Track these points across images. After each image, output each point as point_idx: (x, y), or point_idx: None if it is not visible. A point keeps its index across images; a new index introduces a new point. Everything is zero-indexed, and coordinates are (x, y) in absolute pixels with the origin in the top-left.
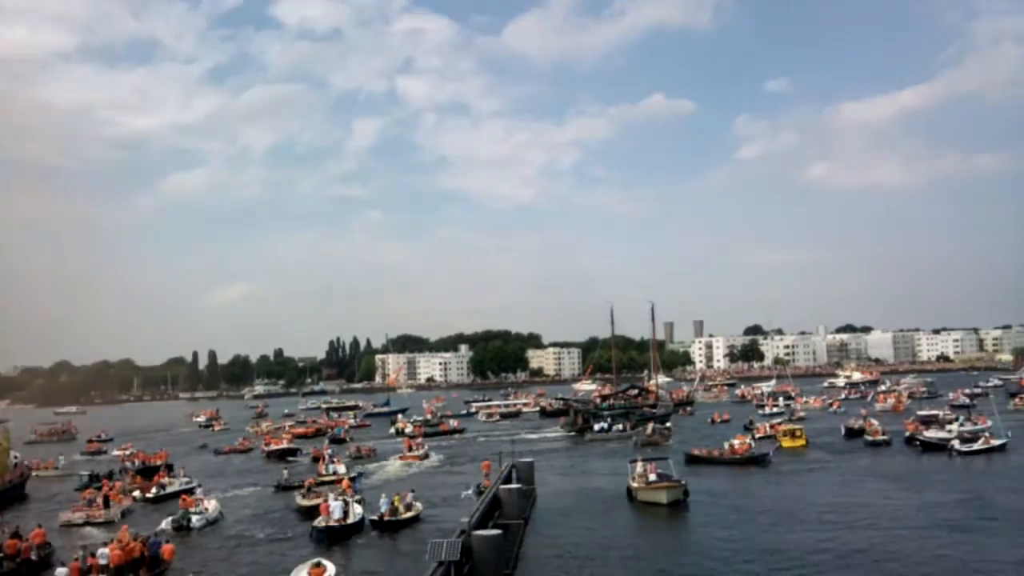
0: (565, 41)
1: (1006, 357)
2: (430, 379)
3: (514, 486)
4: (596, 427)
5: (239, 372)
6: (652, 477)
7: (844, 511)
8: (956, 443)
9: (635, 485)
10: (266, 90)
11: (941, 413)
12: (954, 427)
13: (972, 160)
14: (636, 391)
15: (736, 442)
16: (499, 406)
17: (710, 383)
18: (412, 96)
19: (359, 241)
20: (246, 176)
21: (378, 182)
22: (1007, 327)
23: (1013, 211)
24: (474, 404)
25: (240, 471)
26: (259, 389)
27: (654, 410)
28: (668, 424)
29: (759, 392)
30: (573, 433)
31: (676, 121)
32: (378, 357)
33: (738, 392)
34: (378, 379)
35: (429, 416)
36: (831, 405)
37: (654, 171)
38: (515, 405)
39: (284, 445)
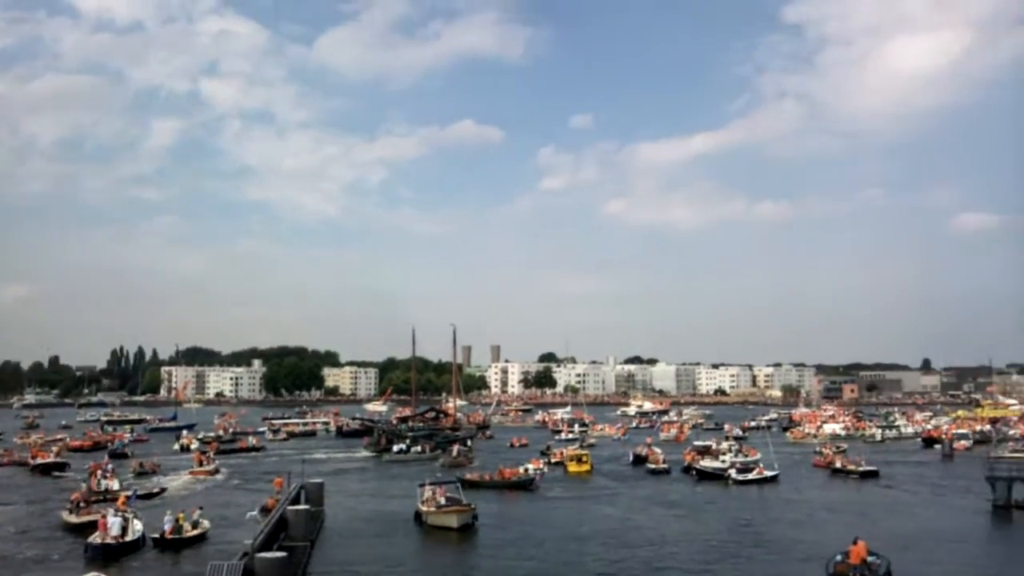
0: (378, 58)
1: (776, 393)
2: (219, 394)
3: (302, 507)
4: (395, 448)
5: (7, 380)
6: (441, 501)
7: (624, 536)
8: (733, 472)
9: (424, 509)
10: (57, 79)
11: (714, 444)
12: (727, 457)
13: (755, 206)
14: (435, 414)
15: (506, 467)
16: (297, 424)
17: (507, 408)
18: (217, 100)
19: (151, 246)
20: (29, 168)
21: (175, 186)
22: (778, 365)
23: (785, 259)
24: (274, 421)
25: (1, 487)
26: (30, 398)
27: (457, 433)
28: (469, 446)
29: (558, 418)
30: (374, 454)
31: (484, 147)
32: (164, 369)
33: (539, 418)
34: (163, 392)
35: (221, 432)
36: (620, 433)
37: (460, 195)
38: (312, 424)
39: (51, 459)
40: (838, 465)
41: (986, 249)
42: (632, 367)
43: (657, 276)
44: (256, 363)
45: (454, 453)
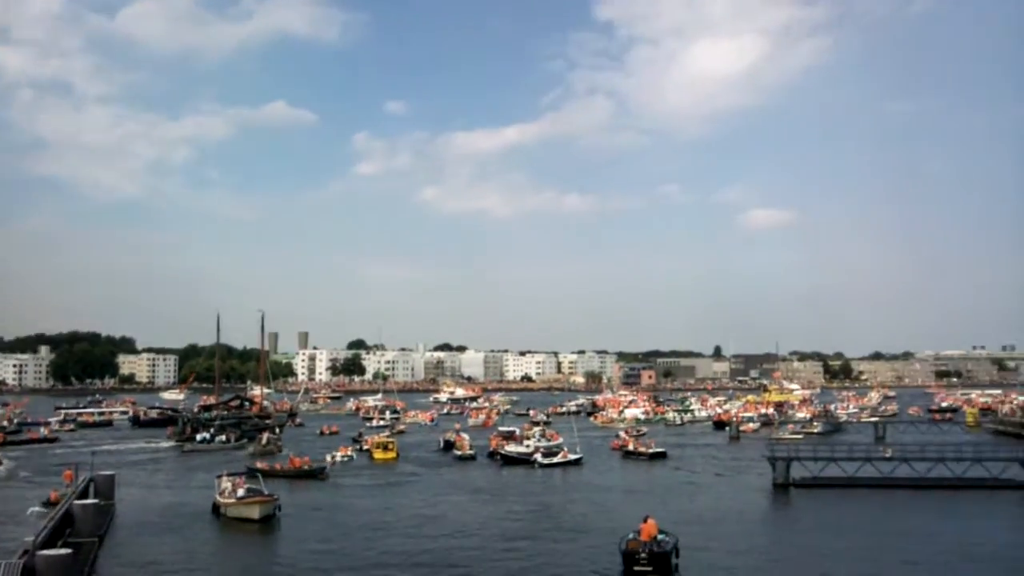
0: (186, 34)
1: (579, 379)
2: (2, 382)
3: (90, 501)
4: (198, 438)
5: None
6: (241, 492)
7: (428, 522)
8: (539, 456)
9: (223, 500)
10: None
11: (518, 430)
12: (531, 442)
13: (564, 198)
14: (239, 402)
15: (297, 456)
16: (92, 413)
17: (315, 395)
18: (6, 68)
19: None
20: None
21: None
22: (581, 352)
23: (590, 250)
24: (68, 411)
25: None
26: None
27: (267, 421)
28: (278, 434)
29: (370, 405)
30: (177, 444)
31: (296, 130)
32: None
33: (351, 405)
34: None
35: (5, 423)
36: (429, 419)
37: (271, 178)
38: (108, 413)
39: None
40: (630, 448)
41: (774, 243)
42: (441, 354)
43: (468, 264)
44: (43, 349)
45: (263, 441)
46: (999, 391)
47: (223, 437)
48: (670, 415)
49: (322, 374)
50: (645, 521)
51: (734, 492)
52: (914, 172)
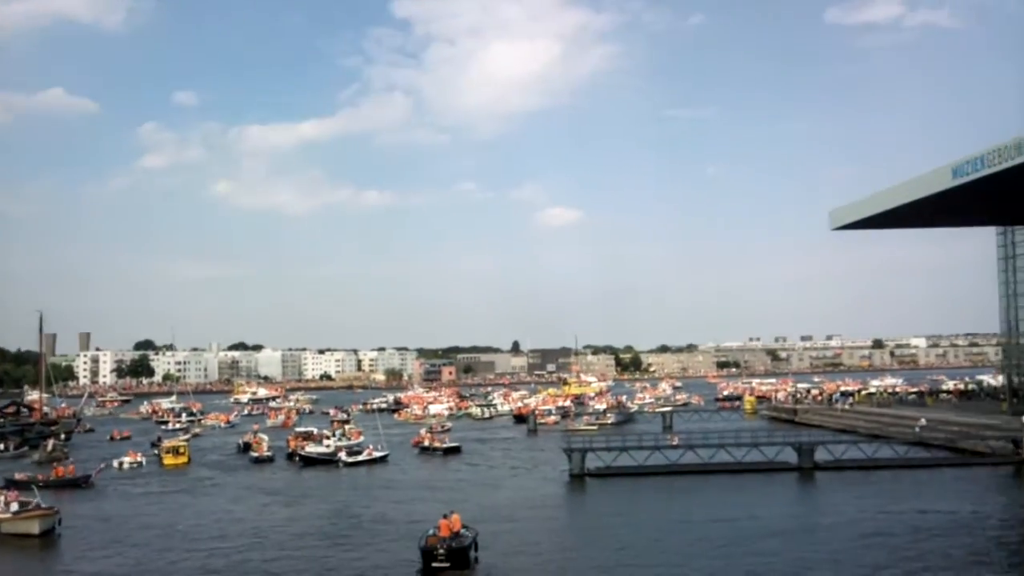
0: None
1: (380, 376)
2: None
3: None
4: None
5: None
6: (15, 506)
7: (222, 529)
8: (343, 455)
9: None
10: None
11: (315, 429)
12: (331, 442)
13: (362, 194)
14: (15, 408)
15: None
16: None
17: (102, 399)
18: None
19: None
20: None
21: None
22: (382, 349)
23: (390, 246)
24: None
25: None
26: None
27: (53, 427)
28: (63, 440)
29: (167, 408)
30: None
31: (76, 120)
32: None
33: (146, 408)
34: None
35: None
36: (223, 421)
37: (46, 170)
38: None
39: None
40: (426, 444)
41: (568, 241)
42: (236, 353)
43: (264, 261)
44: None
45: (48, 448)
46: (774, 380)
47: (1, 445)
48: (474, 410)
49: (106, 376)
50: (446, 517)
51: (533, 484)
52: (693, 175)
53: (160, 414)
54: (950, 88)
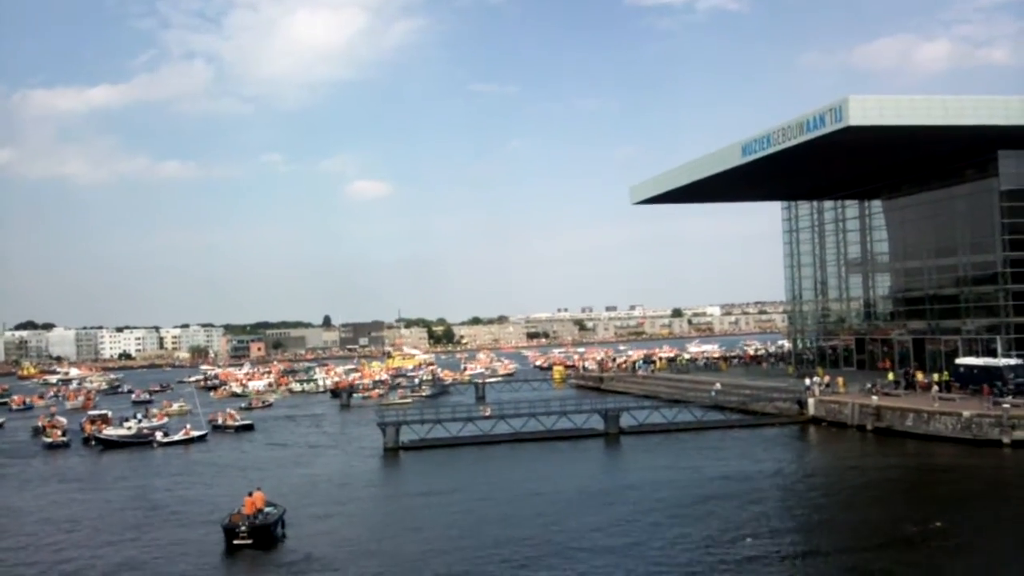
0: None
1: (184, 354)
2: None
3: None
4: None
5: None
6: None
7: (16, 521)
8: (159, 436)
9: None
10: None
11: (110, 412)
12: (132, 423)
13: (161, 164)
14: None
15: None
16: None
17: None
18: None
19: None
20: None
21: None
22: (185, 326)
23: (193, 219)
24: None
25: None
26: None
27: None
28: None
29: (5, 390)
30: None
31: None
32: None
33: None
34: None
35: None
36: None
37: None
38: None
39: None
40: (219, 421)
41: (377, 214)
42: (25, 333)
43: (52, 235)
44: None
45: None
46: (583, 348)
47: None
48: (294, 386)
49: None
50: (250, 495)
51: (347, 459)
52: (499, 148)
53: None
54: (738, 68)
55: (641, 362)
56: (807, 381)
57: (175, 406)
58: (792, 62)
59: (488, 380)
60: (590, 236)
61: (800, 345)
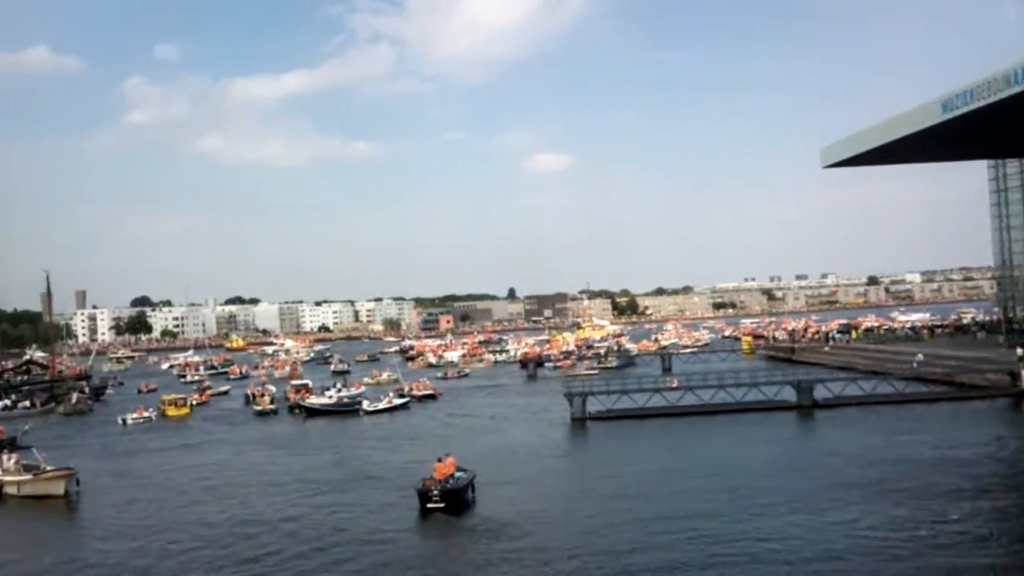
0: None
1: (378, 327)
2: None
3: None
4: None
5: None
6: (14, 466)
7: (236, 480)
8: (365, 404)
9: (7, 479)
10: None
11: (310, 382)
12: (332, 393)
13: (350, 145)
14: (27, 367)
15: None
16: None
17: (113, 355)
18: None
19: None
20: None
21: None
22: (378, 300)
23: (381, 197)
24: None
25: None
26: None
27: (83, 382)
28: (88, 393)
29: (197, 361)
30: None
31: (61, 76)
32: None
33: (180, 361)
34: None
35: None
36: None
37: (31, 129)
38: None
39: None
40: (405, 389)
41: (558, 186)
42: (233, 308)
43: (255, 214)
44: None
45: (73, 401)
46: (774, 318)
47: (27, 403)
48: (488, 356)
49: (105, 334)
50: (440, 460)
51: (534, 429)
52: (681, 116)
53: (192, 368)
54: (942, 20)
55: (835, 332)
56: (1019, 351)
57: (384, 375)
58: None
59: (676, 351)
60: (777, 203)
61: (1012, 313)
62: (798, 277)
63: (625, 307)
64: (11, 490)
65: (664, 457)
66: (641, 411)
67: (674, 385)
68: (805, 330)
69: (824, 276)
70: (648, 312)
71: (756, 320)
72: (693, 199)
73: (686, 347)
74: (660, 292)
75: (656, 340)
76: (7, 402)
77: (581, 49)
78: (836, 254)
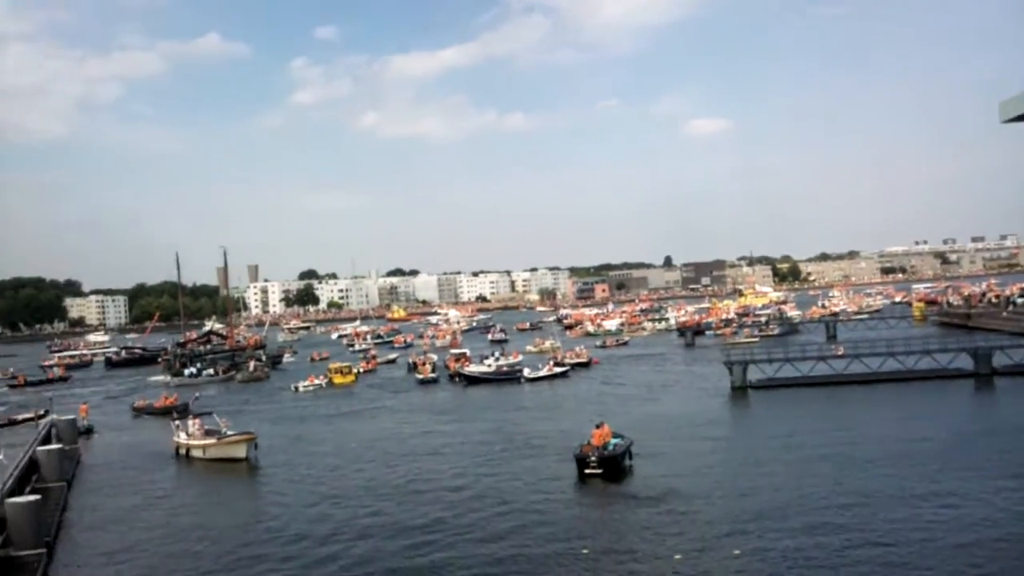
0: None
1: (534, 296)
2: None
3: (54, 447)
4: (186, 372)
5: None
6: (199, 431)
7: (404, 445)
8: (526, 371)
9: (196, 443)
10: None
11: (468, 351)
12: (491, 361)
13: (506, 117)
14: (207, 337)
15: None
16: (74, 356)
17: (285, 326)
18: None
19: None
20: None
21: None
22: (534, 270)
23: (536, 168)
24: (57, 354)
25: None
26: None
27: (260, 351)
28: (264, 361)
29: (365, 331)
30: (170, 378)
31: (230, 62)
32: None
33: (351, 331)
34: None
35: None
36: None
37: (206, 112)
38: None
39: None
40: (556, 358)
41: (715, 151)
42: (394, 279)
43: (414, 188)
44: None
45: (251, 369)
46: (950, 283)
47: (211, 371)
48: (645, 325)
49: (275, 306)
50: (597, 427)
51: (693, 397)
52: (842, 73)
53: (360, 337)
54: None
55: (1017, 296)
56: None
57: (546, 343)
58: None
59: (846, 319)
60: (950, 161)
61: None
62: (974, 239)
63: (786, 274)
64: (197, 453)
65: (830, 427)
66: (805, 379)
67: (840, 353)
68: (983, 295)
69: (1004, 238)
70: (811, 279)
71: (931, 285)
72: (858, 159)
73: (856, 314)
74: (824, 258)
75: (824, 306)
76: (193, 370)
77: (735, 8)
78: (1017, 214)
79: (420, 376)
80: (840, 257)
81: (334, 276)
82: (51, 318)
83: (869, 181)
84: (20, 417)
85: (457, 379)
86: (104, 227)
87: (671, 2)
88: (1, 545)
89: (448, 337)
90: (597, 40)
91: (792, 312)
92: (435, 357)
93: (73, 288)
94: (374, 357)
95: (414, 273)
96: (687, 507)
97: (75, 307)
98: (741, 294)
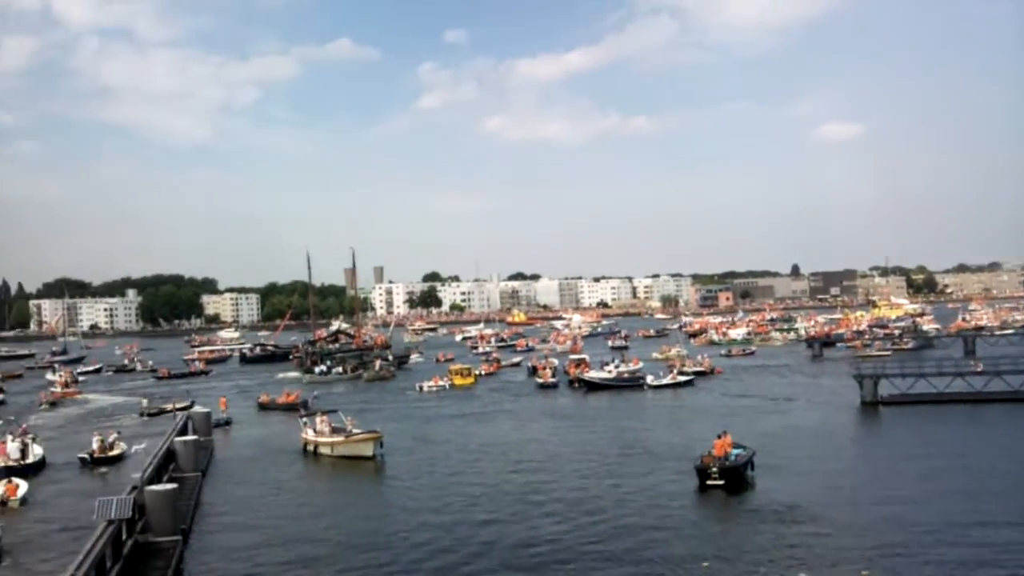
0: None
1: (655, 303)
2: (94, 326)
3: (190, 438)
4: (316, 370)
5: None
6: (326, 430)
7: (518, 450)
8: (649, 379)
9: (323, 440)
10: None
11: (587, 356)
12: (611, 367)
13: (630, 120)
14: (335, 336)
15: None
16: (212, 351)
17: (410, 327)
18: (70, 17)
19: (6, 174)
20: None
21: (28, 111)
22: (656, 276)
23: (659, 172)
24: (197, 349)
25: None
26: None
27: (386, 351)
28: (390, 360)
29: (490, 334)
30: (302, 374)
31: (362, 66)
32: (32, 303)
33: (475, 333)
34: (33, 327)
35: (127, 362)
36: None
37: (337, 115)
38: (222, 351)
39: None
40: (678, 366)
41: (847, 157)
42: (516, 283)
43: (536, 192)
44: (130, 293)
45: (376, 368)
46: None
47: (339, 369)
48: (774, 335)
49: (399, 307)
50: (719, 437)
51: (819, 411)
52: (982, 74)
53: (483, 341)
54: None
55: None
56: None
57: (672, 351)
58: None
59: (989, 333)
60: None
61: None
62: None
63: (921, 285)
64: (325, 450)
65: (968, 448)
66: (940, 396)
67: (979, 369)
68: None
69: None
70: (948, 291)
71: None
72: (998, 166)
73: (1000, 329)
74: (962, 269)
75: (966, 320)
76: (323, 367)
77: (870, 6)
78: None
79: (540, 380)
80: (980, 269)
81: (456, 279)
82: (189, 314)
83: (1011, 188)
84: (168, 406)
85: (577, 384)
86: (239, 226)
87: (804, 1)
88: (140, 531)
89: (568, 342)
90: (724, 40)
91: (929, 326)
92: (556, 362)
93: (210, 286)
94: (497, 360)
95: (535, 277)
96: (812, 523)
97: (211, 304)
98: (875, 305)
